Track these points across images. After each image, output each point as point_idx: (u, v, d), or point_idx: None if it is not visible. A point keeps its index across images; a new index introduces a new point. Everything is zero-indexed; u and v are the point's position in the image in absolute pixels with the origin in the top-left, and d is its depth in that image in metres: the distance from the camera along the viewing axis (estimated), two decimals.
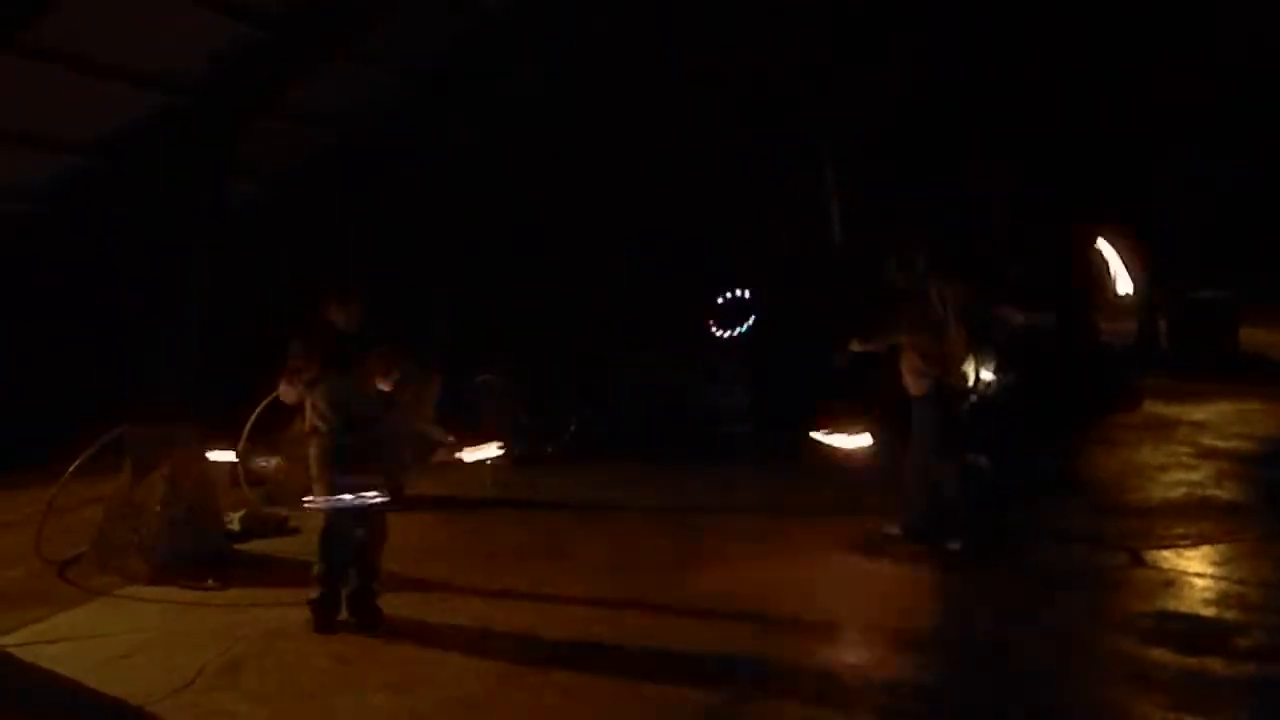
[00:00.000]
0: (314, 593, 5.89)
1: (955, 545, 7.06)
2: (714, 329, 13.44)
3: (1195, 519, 7.89)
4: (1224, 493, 8.66)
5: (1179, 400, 12.58)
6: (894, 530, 7.32)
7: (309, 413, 5.89)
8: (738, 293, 13.50)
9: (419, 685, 5.15)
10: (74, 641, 5.72)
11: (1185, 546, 7.22)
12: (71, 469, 7.32)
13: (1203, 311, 15.56)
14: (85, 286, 9.91)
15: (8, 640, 5.67)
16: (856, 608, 6.22)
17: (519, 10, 10.09)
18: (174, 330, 7.50)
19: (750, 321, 13.31)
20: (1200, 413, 11.94)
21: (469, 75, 10.57)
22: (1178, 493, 8.71)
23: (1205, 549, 7.16)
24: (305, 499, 5.96)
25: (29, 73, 6.28)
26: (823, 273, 12.25)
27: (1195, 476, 9.18)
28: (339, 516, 5.81)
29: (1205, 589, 6.39)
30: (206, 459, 7.44)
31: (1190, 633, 5.65)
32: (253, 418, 8.30)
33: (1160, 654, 5.37)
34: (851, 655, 5.49)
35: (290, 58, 7.41)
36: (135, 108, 7.23)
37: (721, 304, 13.53)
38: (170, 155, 7.25)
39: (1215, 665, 5.21)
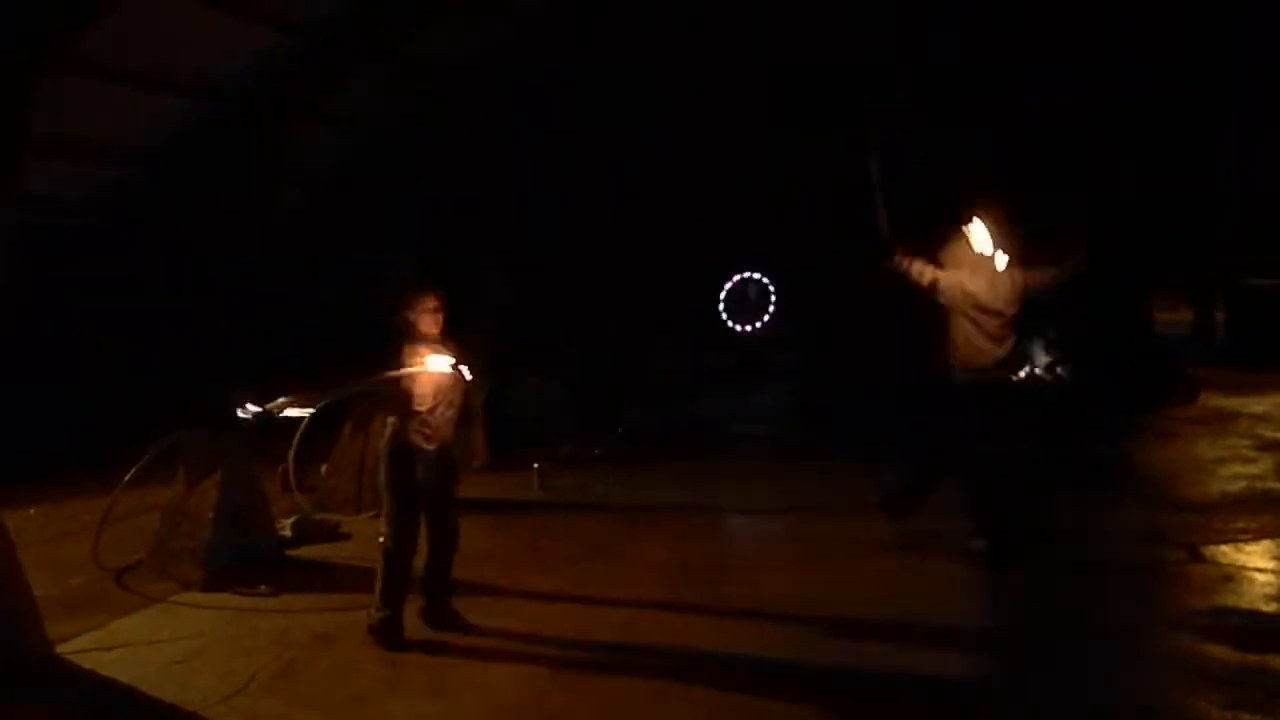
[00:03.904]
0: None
1: (979, 544, 6.88)
2: (729, 323, 13.12)
3: (1255, 513, 7.74)
4: None
5: (1238, 392, 12.35)
6: (979, 544, 6.92)
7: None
8: (752, 276, 13.06)
9: (468, 689, 5.18)
10: (131, 647, 5.83)
11: (1245, 541, 7.08)
12: (126, 478, 7.45)
13: (1261, 300, 15.25)
14: (142, 294, 10.10)
15: (67, 646, 5.78)
16: (907, 608, 6.14)
17: (552, 11, 10.14)
18: (225, 335, 7.61)
19: (769, 313, 12.95)
20: (1260, 404, 11.72)
21: (503, 75, 10.63)
22: (1237, 486, 8.55)
23: (1266, 543, 7.03)
24: None
25: (75, 87, 6.41)
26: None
27: (1255, 469, 9.02)
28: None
29: (1266, 584, 6.26)
30: (257, 465, 7.52)
31: (1250, 629, 5.54)
32: (304, 425, 8.39)
33: (1219, 651, 5.27)
34: (903, 657, 5.42)
35: (326, 63, 7.51)
36: (178, 117, 7.35)
37: (731, 290, 13.10)
38: (215, 163, 7.38)
39: (1276, 663, 5.09)
